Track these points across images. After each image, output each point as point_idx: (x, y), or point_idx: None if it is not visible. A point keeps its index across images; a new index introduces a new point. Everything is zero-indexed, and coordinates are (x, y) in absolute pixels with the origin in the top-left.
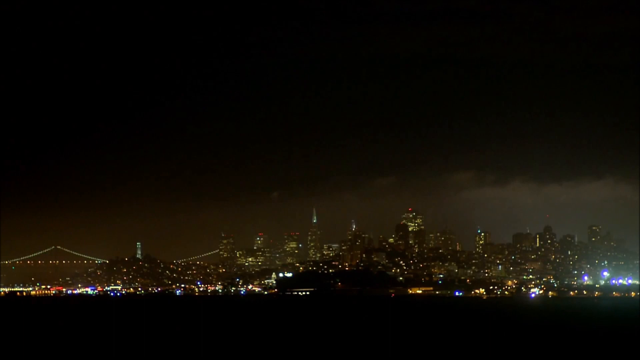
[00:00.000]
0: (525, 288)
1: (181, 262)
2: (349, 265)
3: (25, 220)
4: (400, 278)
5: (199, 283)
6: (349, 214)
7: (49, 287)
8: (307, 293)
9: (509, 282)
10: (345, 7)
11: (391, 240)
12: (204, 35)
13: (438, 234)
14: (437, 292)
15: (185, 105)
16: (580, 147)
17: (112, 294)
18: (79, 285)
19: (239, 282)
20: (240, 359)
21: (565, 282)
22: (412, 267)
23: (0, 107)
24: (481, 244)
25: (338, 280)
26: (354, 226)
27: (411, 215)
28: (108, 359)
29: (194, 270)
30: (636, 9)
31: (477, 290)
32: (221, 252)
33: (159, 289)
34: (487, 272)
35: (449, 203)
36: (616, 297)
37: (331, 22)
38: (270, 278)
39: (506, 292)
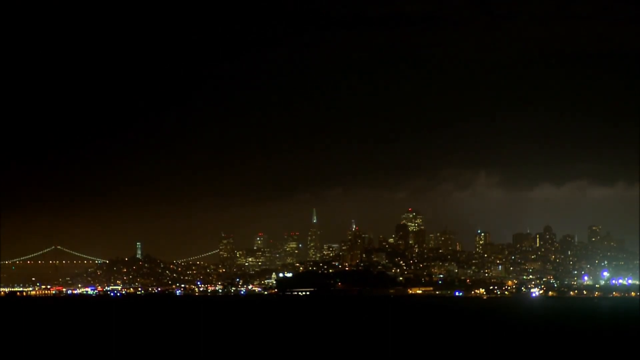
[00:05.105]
0: (525, 288)
1: (181, 262)
2: (349, 265)
3: (25, 220)
4: (400, 278)
5: (199, 283)
6: (349, 214)
7: (49, 287)
8: (307, 293)
9: (509, 282)
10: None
11: (391, 240)
12: (204, 35)
13: (438, 234)
14: (437, 292)
15: (184, 105)
16: (580, 148)
17: (112, 294)
18: (79, 285)
19: (239, 282)
20: (240, 359)
21: (565, 282)
22: (412, 267)
23: (1, 108)
24: (481, 244)
25: (338, 280)
26: (354, 226)
27: (411, 216)
28: (108, 359)
29: (194, 270)
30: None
31: (477, 291)
32: (221, 252)
33: (159, 289)
34: (487, 272)
35: (449, 203)
36: (616, 297)
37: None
38: (270, 278)
39: (506, 292)
